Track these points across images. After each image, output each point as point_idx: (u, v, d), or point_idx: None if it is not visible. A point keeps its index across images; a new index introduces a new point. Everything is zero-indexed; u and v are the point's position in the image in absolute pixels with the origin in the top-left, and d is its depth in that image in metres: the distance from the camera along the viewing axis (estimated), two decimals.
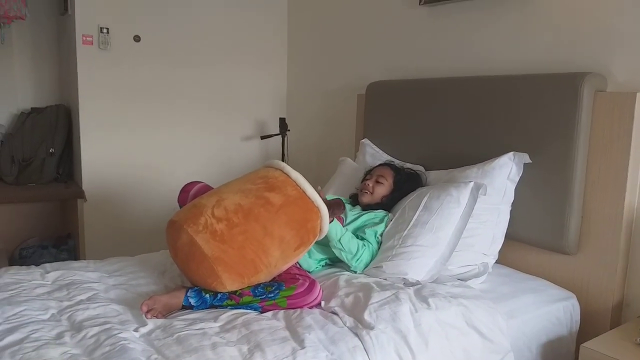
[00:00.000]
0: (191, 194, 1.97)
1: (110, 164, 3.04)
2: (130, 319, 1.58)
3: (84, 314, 1.59)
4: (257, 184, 1.75)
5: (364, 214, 2.13)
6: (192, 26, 3.19)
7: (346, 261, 1.94)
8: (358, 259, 1.93)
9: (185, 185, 2.03)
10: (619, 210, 1.85)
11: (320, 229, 1.78)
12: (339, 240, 1.91)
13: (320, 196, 1.81)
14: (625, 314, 1.92)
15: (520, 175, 2.05)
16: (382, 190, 2.17)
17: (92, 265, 2.04)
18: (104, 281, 1.88)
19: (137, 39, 3.03)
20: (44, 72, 3.32)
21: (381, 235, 2.04)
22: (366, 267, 1.96)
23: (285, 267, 1.76)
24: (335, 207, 1.96)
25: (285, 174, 1.79)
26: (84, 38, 2.89)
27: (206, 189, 1.97)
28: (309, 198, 1.75)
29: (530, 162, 2.01)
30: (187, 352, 1.37)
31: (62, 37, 3.23)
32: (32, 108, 3.22)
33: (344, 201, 2.25)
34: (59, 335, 1.47)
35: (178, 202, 1.99)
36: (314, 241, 1.80)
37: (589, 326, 1.93)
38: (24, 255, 3.07)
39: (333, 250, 1.95)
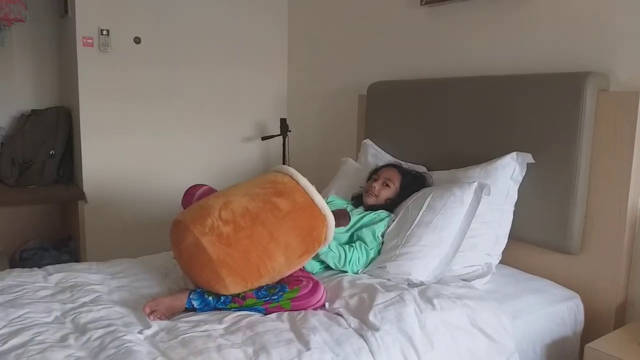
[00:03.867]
0: (196, 197, 1.96)
1: (110, 165, 3.03)
2: (134, 321, 1.57)
3: (88, 316, 1.58)
4: (265, 189, 1.74)
5: (366, 215, 2.12)
6: (192, 27, 3.19)
7: (339, 267, 1.94)
8: (350, 261, 1.93)
9: (190, 187, 2.01)
10: (622, 210, 1.85)
11: (326, 238, 1.78)
12: (329, 247, 1.90)
13: None
14: (630, 314, 1.92)
15: (523, 175, 2.04)
16: (388, 193, 2.17)
17: (95, 267, 2.03)
18: (107, 283, 1.87)
19: (137, 40, 3.02)
20: (44, 74, 3.31)
21: (382, 235, 2.03)
22: (365, 267, 1.96)
23: (288, 273, 1.75)
24: (341, 217, 1.95)
25: (294, 180, 1.78)
26: (84, 40, 2.89)
27: (210, 191, 1.95)
28: (317, 206, 1.74)
29: (533, 162, 2.01)
30: (193, 355, 1.37)
31: (63, 39, 3.22)
32: (32, 110, 3.21)
33: (346, 203, 2.25)
34: (63, 338, 1.46)
35: (182, 205, 1.98)
36: (319, 249, 1.80)
37: (593, 326, 1.93)
38: (25, 257, 3.06)
39: (324, 259, 1.94)
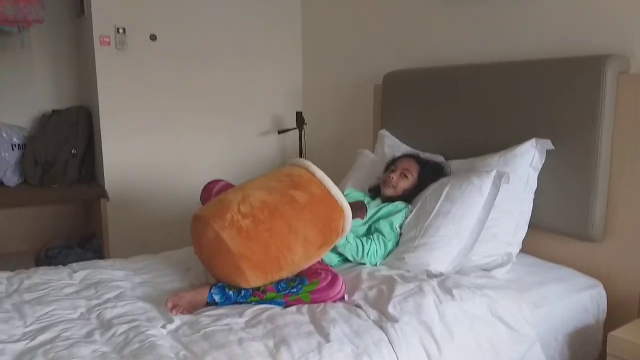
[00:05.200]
0: (214, 192, 1.98)
1: (131, 163, 3.07)
2: (157, 316, 1.60)
3: (112, 312, 1.62)
4: (282, 182, 1.76)
5: (384, 206, 2.12)
6: (206, 22, 3.20)
7: (357, 260, 1.94)
8: (367, 253, 1.93)
9: (208, 183, 2.03)
10: None
11: (343, 229, 1.78)
12: (346, 239, 1.91)
13: None
14: None
15: (543, 162, 2.02)
16: (406, 184, 2.15)
17: (118, 263, 2.07)
18: (130, 279, 1.91)
19: (153, 37, 3.05)
20: (63, 74, 3.36)
21: (400, 226, 2.03)
22: (383, 258, 1.96)
23: (307, 266, 1.76)
24: (357, 209, 1.96)
25: (310, 172, 1.79)
26: (101, 39, 2.92)
27: (228, 187, 1.97)
28: (334, 197, 1.75)
29: (553, 148, 1.98)
30: (215, 348, 1.39)
31: (80, 38, 3.26)
32: (52, 110, 3.26)
33: (363, 196, 2.25)
34: (89, 334, 1.49)
35: (201, 200, 2.00)
36: (337, 241, 1.81)
37: (617, 314, 1.90)
38: (50, 255, 3.13)
39: (342, 251, 1.95)
